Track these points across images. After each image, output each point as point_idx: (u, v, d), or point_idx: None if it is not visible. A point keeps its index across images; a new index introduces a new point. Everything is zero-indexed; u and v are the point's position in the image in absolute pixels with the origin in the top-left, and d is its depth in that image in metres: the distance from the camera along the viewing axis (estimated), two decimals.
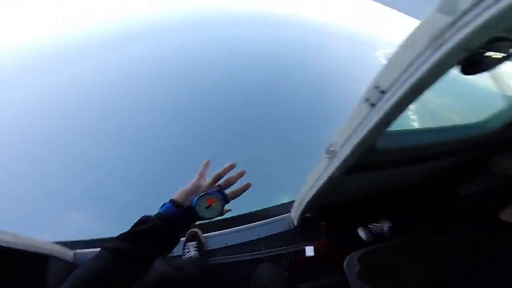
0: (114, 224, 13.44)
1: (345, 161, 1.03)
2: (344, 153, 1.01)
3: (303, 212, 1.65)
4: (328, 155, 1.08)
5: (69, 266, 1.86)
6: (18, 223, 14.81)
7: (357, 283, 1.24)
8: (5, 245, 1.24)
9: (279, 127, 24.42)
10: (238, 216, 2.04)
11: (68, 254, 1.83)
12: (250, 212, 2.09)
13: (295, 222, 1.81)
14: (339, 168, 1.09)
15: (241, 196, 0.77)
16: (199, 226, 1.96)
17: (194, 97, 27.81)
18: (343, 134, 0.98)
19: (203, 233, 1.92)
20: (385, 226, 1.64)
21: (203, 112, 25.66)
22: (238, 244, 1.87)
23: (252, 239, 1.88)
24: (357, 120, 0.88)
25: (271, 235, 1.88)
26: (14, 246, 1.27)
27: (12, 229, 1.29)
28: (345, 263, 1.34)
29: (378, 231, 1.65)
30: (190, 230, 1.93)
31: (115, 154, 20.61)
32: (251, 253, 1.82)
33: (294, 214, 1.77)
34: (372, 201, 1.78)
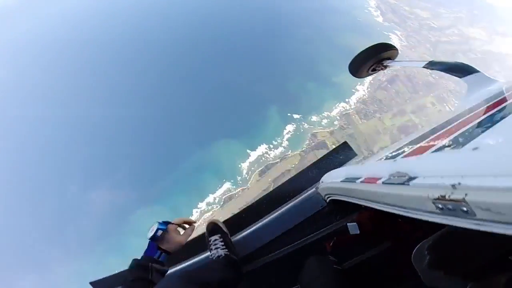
0: None
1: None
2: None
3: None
4: (442, 206, 0.51)
5: None
6: None
7: (428, 272, 1.13)
8: None
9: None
10: (256, 202, 1.82)
11: None
12: (267, 194, 1.88)
13: (327, 199, 1.50)
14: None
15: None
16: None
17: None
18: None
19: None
20: None
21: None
22: (270, 241, 1.67)
23: (283, 230, 1.68)
24: None
25: (304, 220, 1.66)
26: None
27: None
28: (413, 255, 1.21)
29: None
30: (209, 222, 1.73)
31: None
32: (287, 247, 1.64)
33: (324, 192, 1.46)
34: None
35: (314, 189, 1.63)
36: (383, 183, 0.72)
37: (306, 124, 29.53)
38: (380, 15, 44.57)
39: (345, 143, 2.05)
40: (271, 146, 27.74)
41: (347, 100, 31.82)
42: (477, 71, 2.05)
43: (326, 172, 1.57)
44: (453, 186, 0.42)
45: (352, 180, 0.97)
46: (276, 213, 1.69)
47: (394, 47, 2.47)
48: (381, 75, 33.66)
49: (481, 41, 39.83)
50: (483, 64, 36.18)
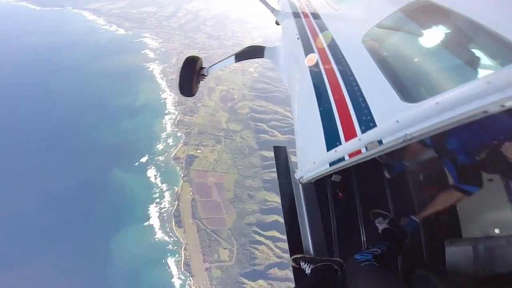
0: None
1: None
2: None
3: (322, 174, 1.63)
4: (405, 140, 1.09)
5: None
6: None
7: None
8: None
9: None
10: (285, 224, 2.05)
11: None
12: (284, 215, 2.08)
13: (311, 180, 1.82)
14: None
15: None
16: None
17: None
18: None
19: None
20: None
21: None
22: (325, 232, 2.03)
23: (320, 219, 2.02)
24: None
25: (320, 203, 2.07)
26: None
27: None
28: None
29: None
30: (291, 262, 1.93)
31: None
32: (333, 224, 2.11)
33: (310, 179, 1.77)
34: None
35: (299, 185, 1.92)
36: (366, 150, 1.22)
37: (160, 157, 28.26)
38: (118, 27, 44.70)
39: (275, 147, 2.39)
40: (157, 200, 25.43)
41: (166, 111, 32.18)
42: (263, 47, 2.74)
43: (288, 173, 2.18)
44: (405, 135, 1.02)
45: (339, 161, 1.40)
46: (306, 217, 1.92)
47: (196, 56, 2.79)
48: (156, 72, 35.59)
49: (206, 9, 48.86)
50: (220, 26, 45.41)
